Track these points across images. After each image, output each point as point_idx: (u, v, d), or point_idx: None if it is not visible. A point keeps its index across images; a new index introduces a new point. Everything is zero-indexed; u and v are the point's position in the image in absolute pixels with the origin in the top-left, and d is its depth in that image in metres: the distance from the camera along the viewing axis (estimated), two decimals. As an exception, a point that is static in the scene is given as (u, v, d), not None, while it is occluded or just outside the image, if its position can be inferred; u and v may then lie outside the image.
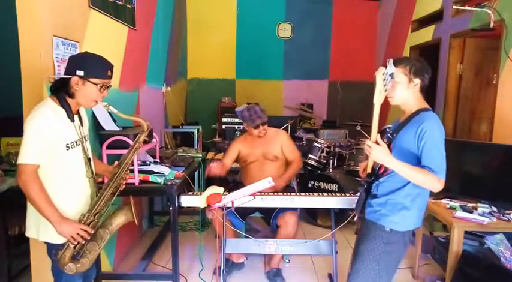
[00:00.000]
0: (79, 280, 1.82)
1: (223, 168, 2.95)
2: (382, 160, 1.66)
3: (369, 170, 1.78)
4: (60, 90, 1.66)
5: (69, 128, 1.69)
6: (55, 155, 1.62)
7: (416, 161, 1.68)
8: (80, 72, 1.61)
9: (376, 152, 1.65)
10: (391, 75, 1.59)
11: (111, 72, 1.72)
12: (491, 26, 3.15)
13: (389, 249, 1.78)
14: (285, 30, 6.18)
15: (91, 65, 1.65)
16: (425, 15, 4.56)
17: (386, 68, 1.58)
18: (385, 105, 1.65)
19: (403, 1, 5.31)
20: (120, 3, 2.97)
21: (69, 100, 1.68)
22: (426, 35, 4.53)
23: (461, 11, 3.57)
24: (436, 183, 1.63)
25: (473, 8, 3.35)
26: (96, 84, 1.65)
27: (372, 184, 1.82)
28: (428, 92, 1.80)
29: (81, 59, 1.70)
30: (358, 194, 1.93)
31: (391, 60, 1.60)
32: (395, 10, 5.57)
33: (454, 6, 3.66)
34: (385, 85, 1.59)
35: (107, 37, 2.80)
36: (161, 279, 2.71)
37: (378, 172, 1.79)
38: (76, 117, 1.75)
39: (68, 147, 1.67)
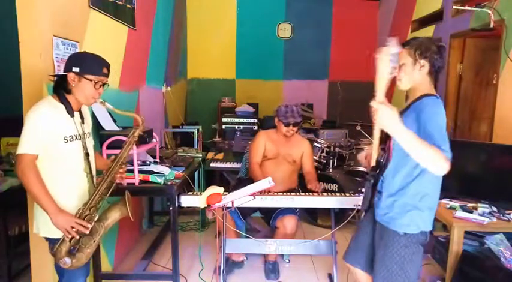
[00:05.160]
0: (81, 278, 1.82)
1: (259, 169, 2.93)
2: (390, 125, 1.40)
3: (373, 163, 1.66)
4: (60, 87, 1.72)
5: (69, 123, 1.73)
6: (53, 146, 1.66)
7: None
8: (76, 69, 1.68)
9: (384, 113, 1.38)
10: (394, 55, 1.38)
11: (108, 70, 1.77)
12: (491, 26, 3.14)
13: (410, 252, 1.68)
14: (285, 30, 6.17)
15: (87, 63, 1.71)
16: (425, 15, 4.55)
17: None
18: (387, 96, 1.51)
19: (403, 1, 5.31)
20: (120, 3, 2.97)
21: (68, 97, 1.73)
22: (426, 35, 4.51)
23: (461, 11, 3.56)
24: (445, 162, 1.39)
25: (473, 8, 3.35)
26: (91, 81, 1.70)
27: (378, 179, 1.70)
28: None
29: (78, 57, 1.78)
30: (364, 190, 1.78)
31: (393, 40, 1.38)
32: (395, 10, 5.56)
33: (454, 6, 3.65)
34: (391, 72, 1.40)
35: (107, 37, 2.80)
36: (161, 279, 2.71)
37: (383, 165, 1.68)
38: (77, 114, 1.79)
39: (67, 140, 1.70)
